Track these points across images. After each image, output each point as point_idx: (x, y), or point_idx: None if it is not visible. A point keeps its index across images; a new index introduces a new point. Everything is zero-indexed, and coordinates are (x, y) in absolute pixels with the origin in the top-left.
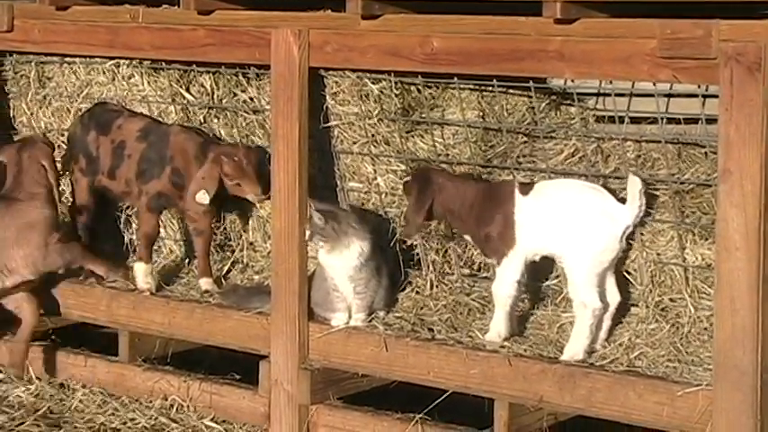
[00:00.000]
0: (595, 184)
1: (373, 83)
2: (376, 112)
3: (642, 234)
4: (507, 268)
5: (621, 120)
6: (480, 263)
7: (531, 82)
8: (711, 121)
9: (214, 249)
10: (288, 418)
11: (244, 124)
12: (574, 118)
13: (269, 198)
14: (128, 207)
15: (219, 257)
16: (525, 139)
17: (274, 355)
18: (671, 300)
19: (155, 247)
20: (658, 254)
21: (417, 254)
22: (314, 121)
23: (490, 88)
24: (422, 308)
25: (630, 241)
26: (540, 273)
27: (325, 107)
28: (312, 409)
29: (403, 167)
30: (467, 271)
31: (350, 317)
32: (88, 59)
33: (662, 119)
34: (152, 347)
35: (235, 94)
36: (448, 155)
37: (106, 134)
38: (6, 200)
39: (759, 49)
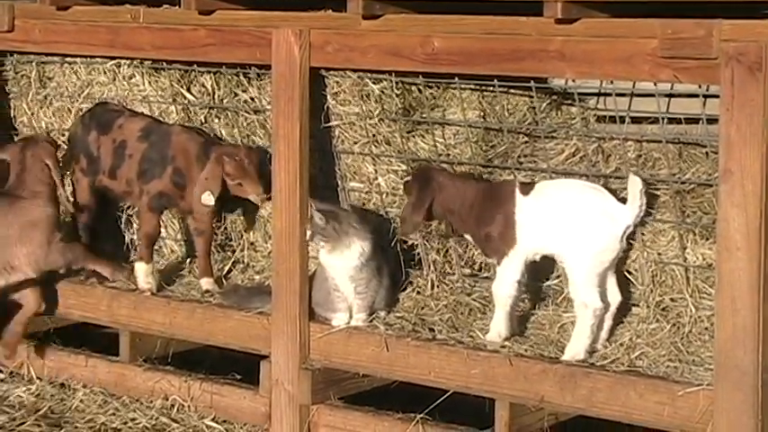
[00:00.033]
0: (596, 184)
1: (374, 83)
2: (377, 112)
3: (643, 234)
4: (507, 268)
5: (622, 120)
6: (481, 263)
7: (532, 82)
8: (712, 120)
9: (215, 249)
10: (289, 418)
11: (245, 124)
12: (575, 118)
13: (270, 199)
14: (129, 207)
15: (220, 257)
16: (526, 139)
17: (275, 355)
18: (672, 300)
19: (155, 247)
20: (659, 254)
21: (418, 254)
22: (315, 121)
23: (491, 88)
24: (423, 308)
25: (631, 241)
26: (541, 273)
27: (326, 107)
28: (313, 410)
29: (404, 167)
30: (468, 271)
31: (351, 317)
32: (89, 59)
33: (663, 119)
34: (153, 347)
35: (236, 94)
36: (449, 155)
37: (107, 134)
38: (9, 198)
39: (760, 48)
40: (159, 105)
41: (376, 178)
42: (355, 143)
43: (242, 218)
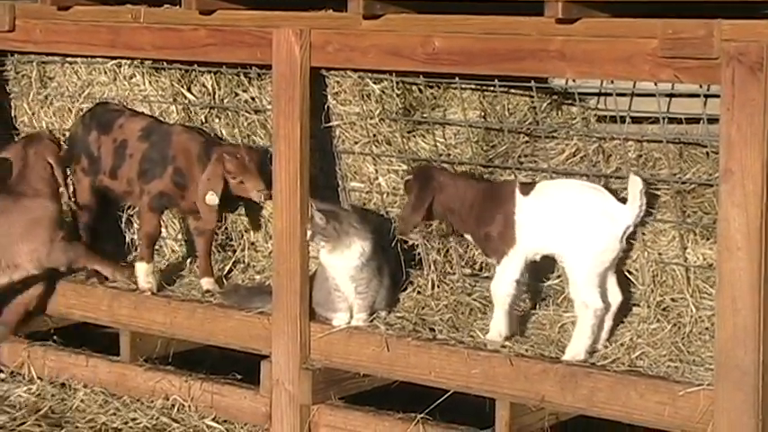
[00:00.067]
0: (596, 184)
1: (375, 83)
2: (377, 111)
3: (644, 234)
4: (507, 267)
5: (623, 119)
6: (482, 263)
7: (532, 82)
8: (713, 120)
9: (215, 249)
10: (289, 418)
11: (245, 124)
12: (575, 118)
13: (271, 197)
14: (129, 207)
15: (221, 257)
16: (527, 138)
17: (276, 355)
18: (672, 300)
19: (156, 247)
20: (660, 254)
21: (419, 254)
22: (315, 120)
23: (492, 88)
24: (423, 308)
25: (632, 241)
26: (542, 273)
27: (326, 107)
28: (313, 409)
29: (404, 167)
30: (468, 271)
31: (351, 317)
32: (90, 59)
33: (663, 119)
34: (153, 347)
35: (236, 94)
36: (449, 155)
37: (108, 134)
38: (13, 196)
39: (761, 48)
40: (160, 105)
41: (376, 178)
42: (356, 143)
43: (243, 218)
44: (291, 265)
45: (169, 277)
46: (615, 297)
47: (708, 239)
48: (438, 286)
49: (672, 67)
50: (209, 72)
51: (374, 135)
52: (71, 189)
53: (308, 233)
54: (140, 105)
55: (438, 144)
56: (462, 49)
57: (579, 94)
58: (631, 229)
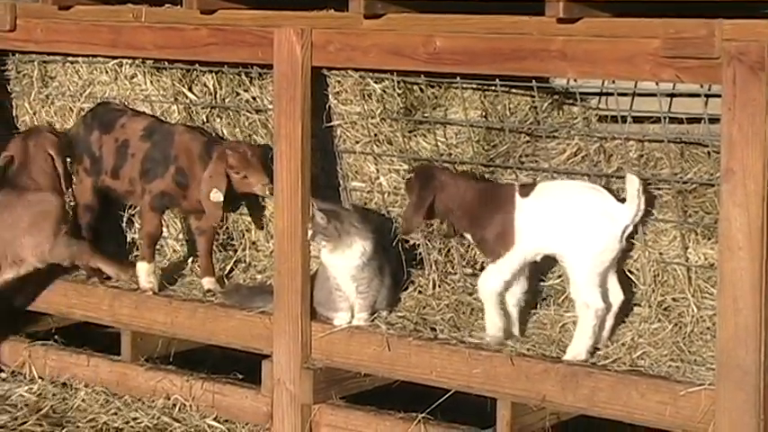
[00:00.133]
0: (595, 184)
1: (376, 82)
2: (379, 111)
3: (645, 233)
4: (500, 266)
5: (624, 119)
6: (483, 262)
7: (533, 81)
8: (714, 120)
9: (217, 249)
10: (290, 418)
11: (246, 124)
12: (576, 117)
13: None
14: (130, 206)
15: (222, 257)
16: (528, 138)
17: (277, 355)
18: (674, 299)
19: (157, 247)
20: (661, 253)
21: (420, 253)
22: (316, 120)
23: (493, 88)
24: (424, 307)
25: (633, 241)
26: (543, 273)
27: (327, 106)
28: (315, 409)
29: (405, 167)
30: (469, 270)
31: (352, 316)
32: (91, 59)
33: (665, 118)
34: (154, 347)
35: (237, 94)
36: (450, 154)
37: (109, 133)
38: (18, 190)
39: (762, 48)
40: (161, 105)
41: (378, 178)
42: (357, 142)
43: (244, 217)
44: (293, 264)
45: (170, 277)
46: (616, 297)
47: (709, 239)
48: (439, 286)
49: (673, 66)
50: (211, 72)
51: (375, 135)
52: (71, 181)
53: (310, 233)
54: (142, 105)
55: (439, 144)
56: (463, 49)
57: (580, 93)
58: (631, 228)
